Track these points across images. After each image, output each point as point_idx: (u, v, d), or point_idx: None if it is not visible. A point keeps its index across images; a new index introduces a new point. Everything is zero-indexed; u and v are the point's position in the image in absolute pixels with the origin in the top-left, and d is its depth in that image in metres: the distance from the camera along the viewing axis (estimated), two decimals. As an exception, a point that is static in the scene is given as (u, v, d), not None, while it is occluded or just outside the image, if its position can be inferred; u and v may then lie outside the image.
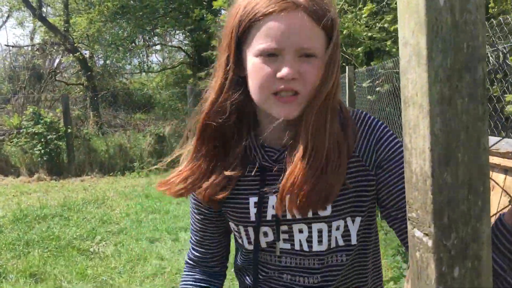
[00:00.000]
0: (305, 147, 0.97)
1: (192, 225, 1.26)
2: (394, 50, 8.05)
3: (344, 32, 8.64)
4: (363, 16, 8.35)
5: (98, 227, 5.74)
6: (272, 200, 1.06)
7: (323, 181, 0.97)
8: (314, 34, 0.95)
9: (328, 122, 0.98)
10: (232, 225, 1.14)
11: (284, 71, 0.94)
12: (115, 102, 16.36)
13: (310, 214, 1.03)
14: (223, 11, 12.39)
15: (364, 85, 7.50)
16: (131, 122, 13.92)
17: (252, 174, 1.08)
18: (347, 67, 6.82)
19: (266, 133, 1.04)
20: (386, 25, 8.23)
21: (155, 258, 4.65)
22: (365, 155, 1.04)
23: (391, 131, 1.05)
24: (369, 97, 7.09)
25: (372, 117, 1.07)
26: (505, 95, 5.22)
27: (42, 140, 9.47)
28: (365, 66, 8.23)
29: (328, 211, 1.03)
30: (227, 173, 1.07)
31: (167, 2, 14.23)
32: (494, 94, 4.85)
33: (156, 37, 16.82)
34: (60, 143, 9.76)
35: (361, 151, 1.04)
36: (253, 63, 0.98)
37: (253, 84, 0.99)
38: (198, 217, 1.23)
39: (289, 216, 1.04)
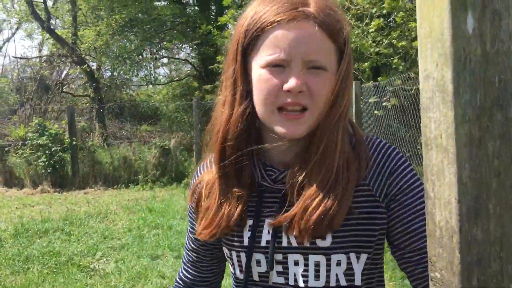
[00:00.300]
0: (315, 169, 0.91)
1: (186, 243, 1.21)
2: (401, 67, 7.99)
3: (351, 47, 8.58)
4: (370, 31, 8.29)
5: (100, 243, 5.65)
6: (269, 224, 0.98)
7: (330, 204, 0.89)
8: (324, 46, 0.90)
9: (339, 142, 0.92)
10: (225, 250, 1.07)
11: (291, 83, 0.88)
12: (122, 113, 16.36)
13: (307, 243, 0.94)
14: (230, 26, 12.42)
15: (371, 100, 7.43)
16: (136, 134, 13.90)
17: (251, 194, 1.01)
18: (353, 82, 6.74)
19: (269, 151, 0.98)
20: (393, 41, 8.16)
21: (156, 276, 4.55)
22: (376, 185, 0.95)
23: (408, 162, 0.96)
24: (376, 112, 7.01)
25: (387, 144, 0.98)
26: None
27: (47, 152, 9.44)
28: (371, 81, 8.17)
29: (327, 241, 0.94)
30: (241, 195, 0.99)
31: (175, 16, 14.28)
32: None
33: (163, 50, 16.86)
34: (65, 155, 9.73)
35: (372, 180, 0.95)
36: (259, 75, 0.92)
37: (257, 97, 0.94)
38: (193, 237, 1.16)
39: (285, 243, 0.96)
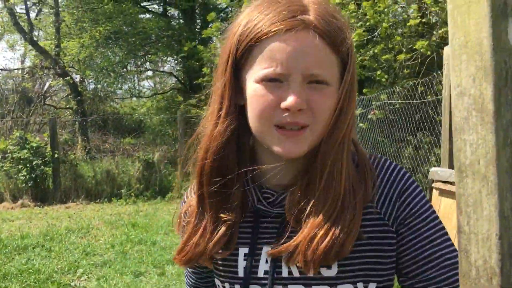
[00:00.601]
0: (321, 194, 0.83)
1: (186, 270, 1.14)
2: (384, 79, 8.00)
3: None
4: (354, 40, 8.32)
5: (81, 259, 5.48)
6: (267, 250, 0.89)
7: (338, 231, 0.81)
8: (326, 58, 0.82)
9: (345, 162, 0.84)
10: (217, 281, 0.97)
11: (289, 101, 0.80)
12: (105, 126, 16.16)
13: (311, 273, 0.85)
14: (214, 39, 12.41)
15: (357, 112, 7.42)
16: (120, 147, 13.71)
17: (247, 220, 0.92)
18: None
19: (265, 172, 0.90)
20: (377, 53, 8.20)
21: (139, 294, 4.42)
22: (384, 207, 0.87)
23: (417, 183, 0.89)
24: (360, 124, 7.00)
25: (394, 163, 0.91)
26: None
27: (28, 165, 9.22)
28: (356, 94, 8.17)
29: (333, 271, 0.85)
30: (226, 220, 0.90)
31: (160, 29, 14.21)
32: None
33: (148, 62, 16.75)
34: (46, 168, 9.52)
35: (380, 202, 0.87)
36: (253, 90, 0.84)
37: (252, 114, 0.86)
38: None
39: (285, 273, 0.87)
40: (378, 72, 7.73)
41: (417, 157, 6.18)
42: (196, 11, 14.93)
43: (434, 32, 7.71)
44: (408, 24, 7.42)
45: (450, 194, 2.67)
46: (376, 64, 8.13)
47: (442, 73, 2.87)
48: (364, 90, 8.26)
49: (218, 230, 0.90)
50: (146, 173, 10.13)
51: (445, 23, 7.22)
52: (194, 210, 0.93)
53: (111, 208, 8.84)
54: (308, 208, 0.84)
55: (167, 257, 5.44)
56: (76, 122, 14.18)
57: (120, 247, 5.93)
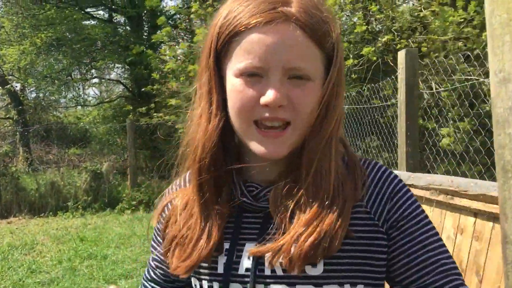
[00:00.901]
0: (308, 192, 0.80)
1: (146, 272, 1.08)
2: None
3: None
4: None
5: (26, 278, 5.17)
6: (250, 247, 0.85)
7: (325, 227, 0.78)
8: (308, 52, 0.79)
9: (333, 160, 0.82)
10: (193, 280, 0.91)
11: (268, 96, 0.77)
12: (48, 137, 15.51)
13: (295, 272, 0.80)
14: (163, 46, 12.19)
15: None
16: (65, 158, 13.17)
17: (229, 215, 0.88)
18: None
19: (250, 168, 0.87)
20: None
21: (90, 312, 4.20)
22: (374, 207, 0.84)
23: (407, 187, 0.87)
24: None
25: (384, 167, 0.88)
26: (440, 129, 5.33)
27: (-36, 179, 8.67)
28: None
29: (319, 269, 0.81)
30: (221, 219, 0.87)
31: (106, 35, 13.81)
32: (431, 127, 4.91)
33: (94, 70, 16.25)
34: (-15, 182, 8.98)
35: (370, 202, 0.85)
36: (232, 84, 0.81)
37: (232, 110, 0.83)
38: (154, 265, 1.04)
39: (268, 272, 0.83)
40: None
41: None
42: (143, 17, 14.64)
43: (379, 39, 7.90)
44: (355, 30, 7.57)
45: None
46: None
47: (396, 78, 2.89)
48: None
49: (218, 227, 0.86)
50: (94, 184, 9.76)
51: (389, 31, 7.41)
52: (196, 213, 0.88)
53: (56, 222, 8.44)
54: (294, 206, 0.81)
55: (119, 272, 5.23)
56: (17, 133, 13.52)
57: (68, 263, 5.65)
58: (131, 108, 12.40)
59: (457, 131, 5.19)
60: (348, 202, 0.81)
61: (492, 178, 3.88)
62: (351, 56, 7.81)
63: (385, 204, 0.84)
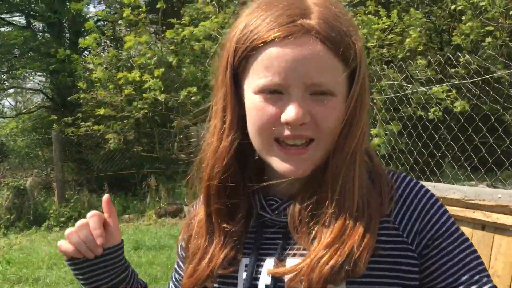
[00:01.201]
0: (330, 206, 0.77)
1: (169, 285, 1.04)
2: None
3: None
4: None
5: None
6: (269, 263, 0.82)
7: (349, 247, 0.74)
8: (329, 67, 0.76)
9: (357, 176, 0.78)
10: None
11: (290, 114, 0.75)
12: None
13: None
14: (87, 53, 11.70)
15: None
16: (-20, 174, 12.21)
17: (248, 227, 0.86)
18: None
19: (271, 180, 0.84)
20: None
21: None
22: (403, 224, 0.80)
23: (440, 201, 0.83)
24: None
25: (414, 180, 0.85)
26: (371, 129, 5.53)
27: None
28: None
29: None
30: (234, 234, 0.85)
31: (25, 41, 13.00)
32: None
33: (12, 79, 15.24)
34: None
35: (398, 218, 0.81)
36: (251, 102, 0.79)
37: (251, 127, 0.81)
38: (176, 278, 1.02)
39: None
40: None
41: None
42: (65, 24, 13.98)
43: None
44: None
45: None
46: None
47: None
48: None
49: (226, 246, 0.84)
50: (17, 201, 9.10)
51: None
52: (203, 229, 0.88)
53: (-24, 244, 7.77)
54: (315, 224, 0.78)
55: (54, 294, 4.89)
56: None
57: (-5, 289, 5.20)
58: (56, 118, 11.76)
59: (386, 132, 5.41)
60: (374, 219, 0.77)
61: (417, 179, 4.05)
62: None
63: (416, 221, 0.80)
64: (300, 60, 0.74)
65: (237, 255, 0.84)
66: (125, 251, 0.99)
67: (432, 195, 0.84)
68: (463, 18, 8.00)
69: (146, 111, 9.75)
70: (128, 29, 11.43)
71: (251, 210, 0.87)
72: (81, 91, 10.18)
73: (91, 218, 0.92)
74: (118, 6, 11.62)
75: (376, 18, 7.42)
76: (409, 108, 5.44)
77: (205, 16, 9.65)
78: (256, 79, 0.77)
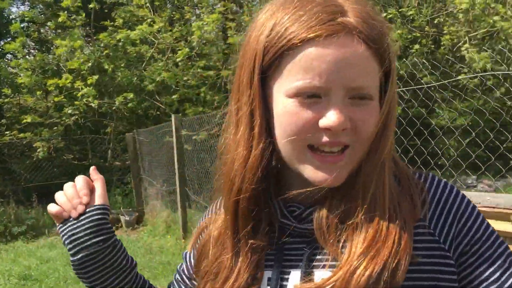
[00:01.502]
0: (360, 215, 0.72)
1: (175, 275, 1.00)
2: (208, 96, 8.10)
3: (157, 80, 8.43)
4: (178, 60, 8.23)
5: None
6: (295, 276, 0.76)
7: (386, 256, 0.69)
8: (370, 69, 0.71)
9: (386, 181, 0.74)
10: None
11: (331, 119, 0.69)
12: None
13: None
14: (11, 57, 10.97)
15: (183, 133, 7.31)
16: None
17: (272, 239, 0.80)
18: (173, 115, 6.55)
19: (291, 187, 0.79)
20: (199, 70, 8.27)
21: None
22: (438, 228, 0.75)
23: (472, 203, 0.80)
24: (186, 146, 6.89)
25: (444, 180, 0.81)
26: None
27: None
28: (180, 114, 8.08)
29: None
30: (258, 249, 0.79)
31: None
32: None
33: None
34: None
35: (433, 221, 0.76)
36: (284, 106, 0.72)
37: (282, 134, 0.74)
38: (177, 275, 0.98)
39: None
40: (203, 89, 7.78)
41: None
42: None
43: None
44: (228, 41, 7.66)
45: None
46: (199, 81, 8.18)
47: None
48: (187, 111, 8.25)
49: (252, 263, 0.78)
50: None
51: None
52: (227, 246, 0.81)
53: None
54: (344, 231, 0.73)
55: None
56: None
57: None
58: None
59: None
60: (408, 223, 0.72)
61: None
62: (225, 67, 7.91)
63: (452, 225, 0.76)
64: (343, 62, 0.69)
65: (259, 269, 0.78)
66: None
67: (464, 196, 0.80)
68: (393, 26, 8.38)
69: (77, 117, 9.33)
70: (54, 31, 10.88)
71: (271, 221, 0.80)
72: (3, 96, 9.56)
73: (78, 179, 0.95)
74: (45, 7, 11.02)
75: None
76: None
77: (138, 19, 9.41)
78: (291, 81, 0.71)
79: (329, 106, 0.70)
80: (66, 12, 8.43)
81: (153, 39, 8.87)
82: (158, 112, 9.64)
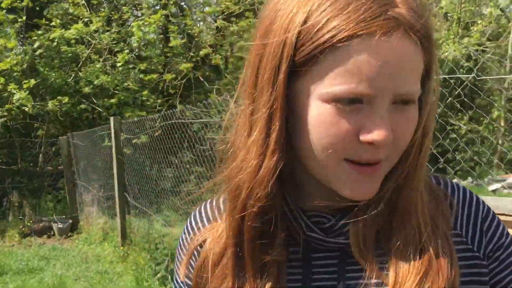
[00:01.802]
0: (397, 225, 0.66)
1: None
2: (151, 100, 7.91)
3: (95, 83, 8.14)
4: (118, 65, 7.99)
5: None
6: None
7: (439, 275, 0.63)
8: (419, 69, 0.62)
9: (423, 189, 0.68)
10: None
11: (378, 134, 0.59)
12: None
13: None
14: None
15: (122, 137, 7.10)
16: None
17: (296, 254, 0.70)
18: (112, 118, 6.32)
19: (307, 191, 0.71)
20: (141, 76, 8.07)
21: None
22: (469, 235, 0.71)
23: (491, 209, 0.76)
24: (125, 150, 6.67)
25: (463, 187, 0.76)
26: None
27: None
28: (119, 117, 7.84)
29: None
30: (272, 265, 0.68)
31: None
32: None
33: None
34: None
35: (463, 228, 0.71)
36: (320, 112, 0.61)
37: (315, 145, 0.62)
38: None
39: None
40: (145, 92, 7.58)
41: (180, 176, 6.26)
42: None
43: (192, 54, 8.03)
44: (170, 44, 7.52)
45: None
46: (140, 84, 7.98)
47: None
48: (127, 114, 8.01)
49: (265, 284, 0.67)
50: None
51: (210, 46, 7.58)
52: (228, 269, 0.69)
53: None
54: (385, 246, 0.66)
55: None
56: None
57: None
58: None
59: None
60: (449, 240, 0.67)
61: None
62: (166, 71, 7.76)
63: (481, 231, 0.72)
64: (395, 66, 0.59)
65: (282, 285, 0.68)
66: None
67: (484, 202, 0.75)
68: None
69: (6, 119, 8.80)
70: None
71: (288, 231, 0.70)
72: None
73: None
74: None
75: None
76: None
77: (72, 18, 9.03)
78: (330, 84, 0.59)
79: (371, 116, 0.60)
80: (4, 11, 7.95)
81: (90, 39, 8.55)
82: (93, 115, 9.30)
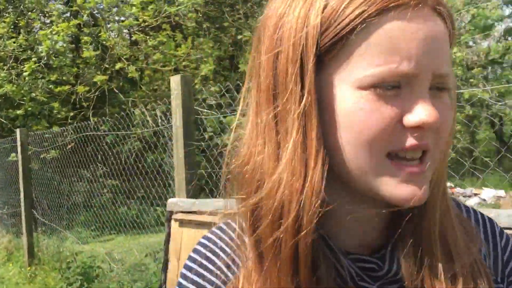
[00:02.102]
0: (440, 256, 0.60)
1: None
2: (63, 112, 7.56)
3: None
4: (25, 74, 7.56)
5: None
6: None
7: None
8: (448, 49, 0.57)
9: (451, 206, 0.63)
10: None
11: (424, 113, 0.53)
12: None
13: None
14: None
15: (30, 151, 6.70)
16: None
17: None
18: (18, 129, 5.95)
19: (336, 226, 0.62)
20: (51, 86, 7.69)
21: None
22: (492, 264, 0.67)
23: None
24: (33, 164, 6.29)
25: (481, 213, 0.72)
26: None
27: None
28: (26, 129, 7.41)
29: None
30: None
31: None
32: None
33: None
34: None
35: (486, 257, 0.67)
36: (356, 101, 0.54)
37: (354, 139, 0.55)
38: None
39: None
40: (56, 105, 7.22)
41: (92, 190, 6.03)
42: None
43: (106, 66, 7.80)
44: (83, 55, 7.23)
45: (192, 225, 2.73)
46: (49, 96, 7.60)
47: (169, 102, 2.92)
48: (35, 127, 7.60)
49: None
50: None
51: (126, 59, 7.38)
52: None
53: None
54: (431, 281, 0.59)
55: None
56: None
57: None
58: None
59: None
60: (480, 262, 0.62)
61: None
62: (78, 82, 7.45)
63: (501, 260, 0.68)
64: (432, 42, 0.53)
65: None
66: None
67: (497, 224, 0.72)
68: (247, 48, 8.77)
69: None
70: None
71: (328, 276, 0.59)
72: None
73: None
74: None
75: (173, 43, 7.57)
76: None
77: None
78: (365, 68, 0.53)
79: (413, 98, 0.53)
80: None
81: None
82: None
